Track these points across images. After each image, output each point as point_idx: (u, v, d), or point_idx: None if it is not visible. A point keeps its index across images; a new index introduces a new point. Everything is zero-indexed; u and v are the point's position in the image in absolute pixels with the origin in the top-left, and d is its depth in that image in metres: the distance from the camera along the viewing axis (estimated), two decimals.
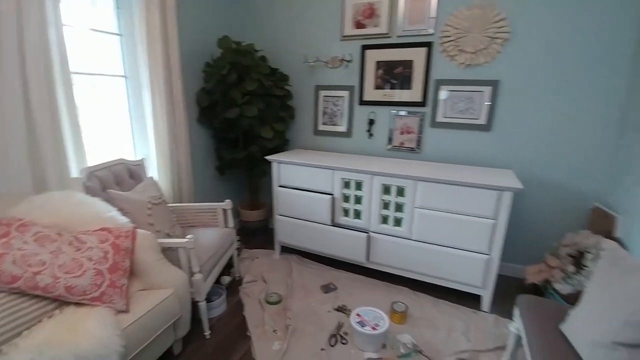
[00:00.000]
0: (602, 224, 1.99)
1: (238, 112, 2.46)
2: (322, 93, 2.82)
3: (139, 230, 1.55)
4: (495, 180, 1.97)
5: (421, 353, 1.74)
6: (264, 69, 2.56)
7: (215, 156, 2.92)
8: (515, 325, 1.52)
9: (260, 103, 2.56)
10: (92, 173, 1.78)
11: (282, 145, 2.92)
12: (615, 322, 1.02)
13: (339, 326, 1.92)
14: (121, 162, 2.02)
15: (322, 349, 1.75)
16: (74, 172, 1.74)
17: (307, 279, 2.40)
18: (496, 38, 2.21)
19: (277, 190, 2.57)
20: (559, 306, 1.43)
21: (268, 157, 2.53)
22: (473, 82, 2.35)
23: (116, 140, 2.24)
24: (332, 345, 1.79)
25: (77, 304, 1.23)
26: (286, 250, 2.77)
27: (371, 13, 2.50)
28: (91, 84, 2.04)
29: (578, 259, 1.92)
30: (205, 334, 1.83)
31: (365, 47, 2.57)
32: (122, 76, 2.22)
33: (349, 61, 2.62)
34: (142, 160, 2.18)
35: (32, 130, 1.57)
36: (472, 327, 1.93)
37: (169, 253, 1.69)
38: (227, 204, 2.24)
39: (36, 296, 1.17)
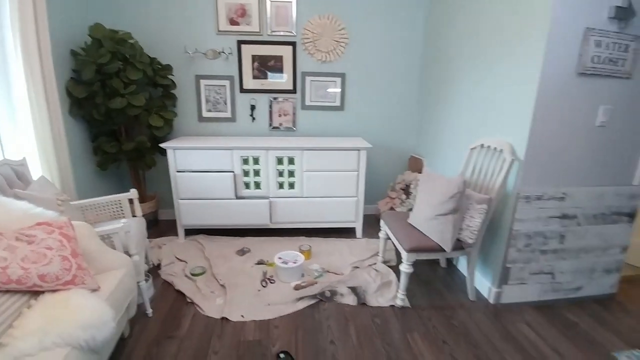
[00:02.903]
0: (416, 165, 3.14)
1: (125, 102, 2.42)
2: (204, 82, 3.02)
3: (74, 222, 1.55)
4: (354, 144, 2.80)
5: (329, 271, 2.41)
6: (145, 58, 2.57)
7: (93, 151, 2.70)
8: (383, 231, 2.37)
9: (145, 92, 2.57)
10: None
11: (169, 133, 2.97)
12: (433, 205, 1.91)
13: (264, 273, 2.36)
14: (5, 163, 1.77)
15: (259, 290, 2.18)
16: None
17: (221, 250, 2.69)
18: (341, 42, 3.02)
19: (175, 175, 2.68)
20: (404, 212, 2.34)
21: (163, 145, 2.61)
22: (328, 74, 3.11)
23: None
24: (264, 286, 2.23)
25: (51, 291, 1.24)
26: (190, 232, 2.93)
27: (243, 13, 2.87)
28: None
29: (407, 190, 3.00)
30: (148, 312, 1.94)
31: (241, 42, 2.94)
32: None
33: (229, 54, 2.93)
34: (24, 159, 1.93)
35: None
36: (354, 248, 2.74)
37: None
38: (133, 193, 2.26)
39: (7, 291, 1.13)
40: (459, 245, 1.95)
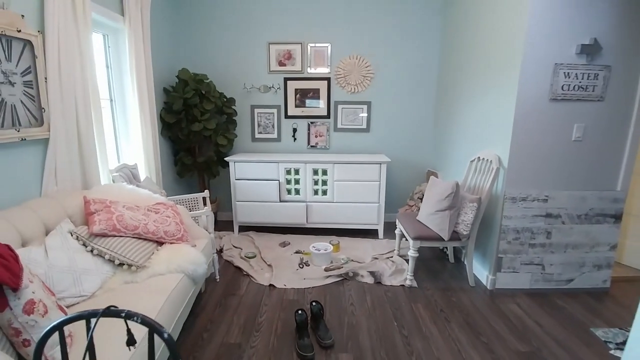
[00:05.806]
0: None
1: (202, 126, 3.24)
2: (257, 110, 3.82)
3: (177, 205, 2.28)
4: (376, 159, 3.39)
5: (353, 260, 2.96)
6: (216, 93, 3.41)
7: (174, 162, 3.54)
8: (398, 228, 2.90)
9: (215, 119, 3.39)
10: (118, 173, 2.36)
11: (230, 150, 3.77)
12: (433, 203, 2.44)
13: (301, 259, 2.97)
14: (125, 166, 2.59)
15: (296, 269, 2.78)
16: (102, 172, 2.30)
17: (268, 242, 3.34)
18: (367, 76, 3.70)
19: (235, 182, 3.43)
20: (415, 212, 2.87)
21: (227, 158, 3.38)
22: (356, 103, 3.78)
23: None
24: (301, 267, 2.83)
25: (169, 243, 1.95)
26: (242, 229, 3.63)
27: (289, 56, 3.67)
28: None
29: (423, 199, 3.51)
30: (217, 278, 2.61)
31: (286, 79, 3.72)
32: (109, 99, 2.75)
33: (277, 88, 3.72)
34: (136, 165, 2.75)
35: (81, 144, 2.10)
36: (376, 246, 3.28)
37: None
38: (206, 193, 3.01)
39: (145, 239, 1.85)
40: (457, 237, 2.43)
